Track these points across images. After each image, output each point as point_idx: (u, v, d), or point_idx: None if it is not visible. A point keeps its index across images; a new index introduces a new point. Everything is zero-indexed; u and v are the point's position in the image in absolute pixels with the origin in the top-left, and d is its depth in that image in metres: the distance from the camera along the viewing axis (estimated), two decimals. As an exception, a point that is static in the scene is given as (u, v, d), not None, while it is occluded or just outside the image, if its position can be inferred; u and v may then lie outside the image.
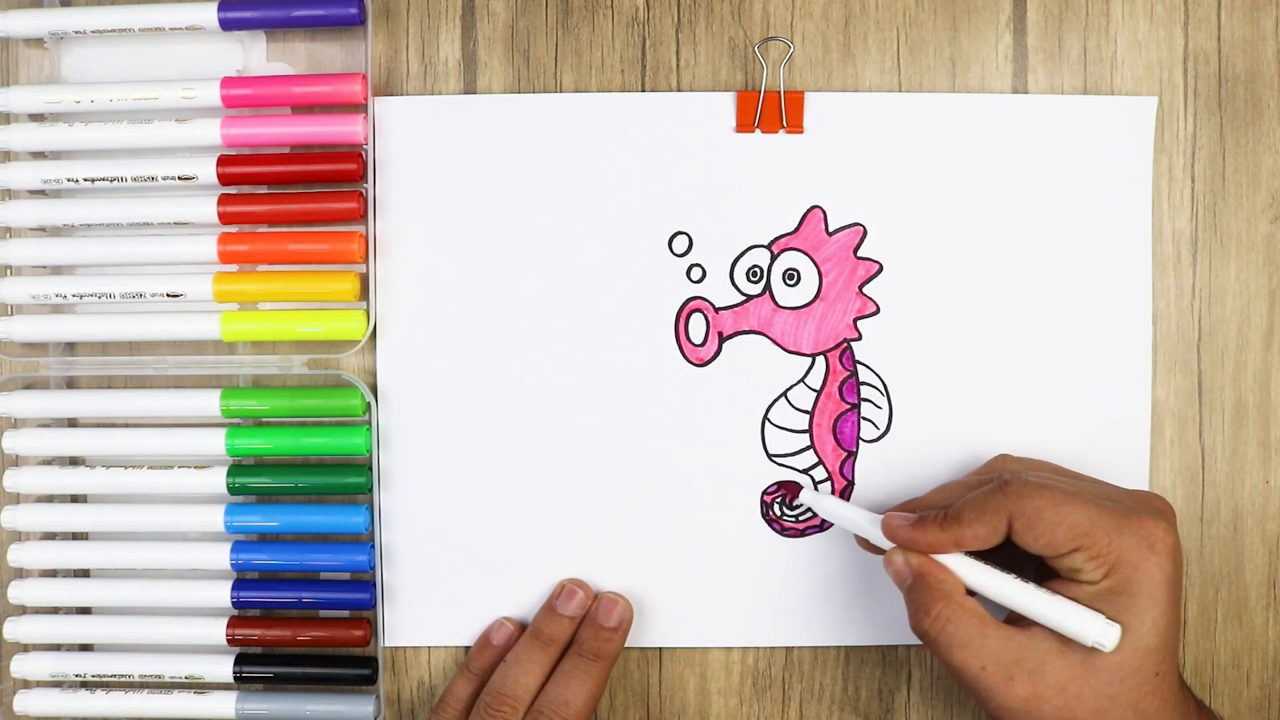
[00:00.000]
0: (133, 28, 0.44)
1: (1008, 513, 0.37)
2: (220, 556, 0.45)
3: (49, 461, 0.46)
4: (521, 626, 0.45)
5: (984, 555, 0.38)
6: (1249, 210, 0.45)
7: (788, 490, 0.45)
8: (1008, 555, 0.38)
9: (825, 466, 0.45)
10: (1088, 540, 0.36)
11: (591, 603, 0.45)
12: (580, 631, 0.44)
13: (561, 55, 0.45)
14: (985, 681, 0.36)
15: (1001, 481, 0.38)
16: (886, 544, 0.40)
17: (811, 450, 0.45)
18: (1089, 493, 0.38)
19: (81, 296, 0.45)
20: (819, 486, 0.45)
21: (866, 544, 0.42)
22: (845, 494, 0.45)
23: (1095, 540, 0.36)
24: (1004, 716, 0.37)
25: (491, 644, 0.45)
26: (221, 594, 0.45)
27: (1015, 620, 0.38)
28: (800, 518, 0.45)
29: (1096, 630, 0.35)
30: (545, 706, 0.42)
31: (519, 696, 0.42)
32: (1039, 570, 0.38)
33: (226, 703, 0.45)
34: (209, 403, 0.45)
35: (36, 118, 0.46)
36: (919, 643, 0.46)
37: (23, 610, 0.46)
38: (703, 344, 0.45)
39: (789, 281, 0.45)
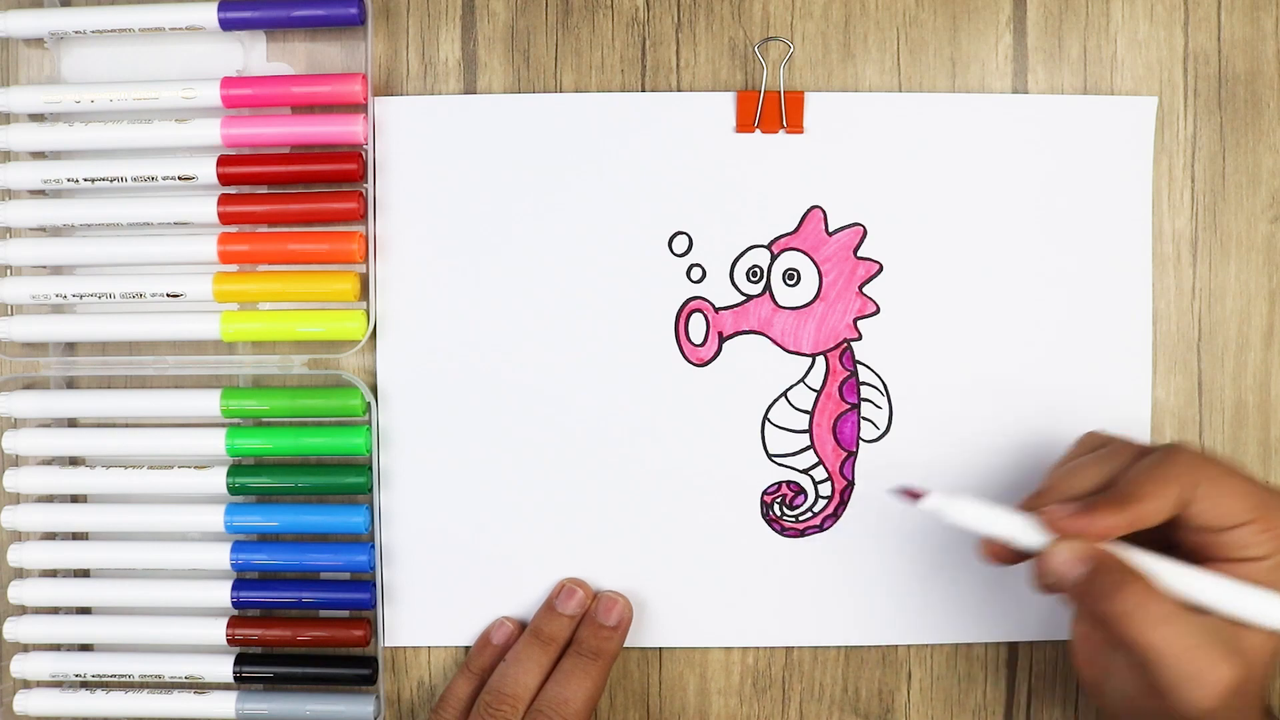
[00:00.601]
0: (133, 28, 0.44)
1: (1192, 479, 0.35)
2: (220, 556, 0.45)
3: (49, 461, 0.46)
4: (521, 626, 0.45)
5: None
6: (1249, 210, 0.45)
7: (908, 495, 0.37)
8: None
9: (825, 466, 0.45)
10: (1261, 512, 0.34)
11: (591, 602, 0.45)
12: (580, 630, 0.44)
13: (561, 55, 0.45)
14: (1195, 664, 0.33)
15: (1167, 449, 0.36)
16: (1032, 544, 0.36)
17: (811, 450, 0.45)
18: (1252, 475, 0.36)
19: (81, 296, 0.45)
20: (818, 485, 0.45)
21: (996, 551, 0.37)
22: (845, 494, 0.45)
23: (1268, 512, 0.34)
24: (1206, 705, 0.33)
25: (491, 643, 0.45)
26: (221, 594, 0.45)
27: None
28: (800, 518, 0.45)
29: (1269, 608, 0.34)
30: (545, 705, 0.42)
31: (519, 695, 0.42)
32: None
33: (226, 703, 0.45)
34: (209, 403, 0.45)
35: (36, 118, 0.46)
36: (919, 642, 0.46)
37: (23, 610, 0.46)
38: (703, 344, 0.45)
39: (789, 281, 0.45)
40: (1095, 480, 0.37)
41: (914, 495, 0.37)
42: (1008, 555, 0.37)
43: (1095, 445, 0.39)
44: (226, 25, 0.44)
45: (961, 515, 0.37)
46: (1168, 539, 0.36)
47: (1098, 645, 0.38)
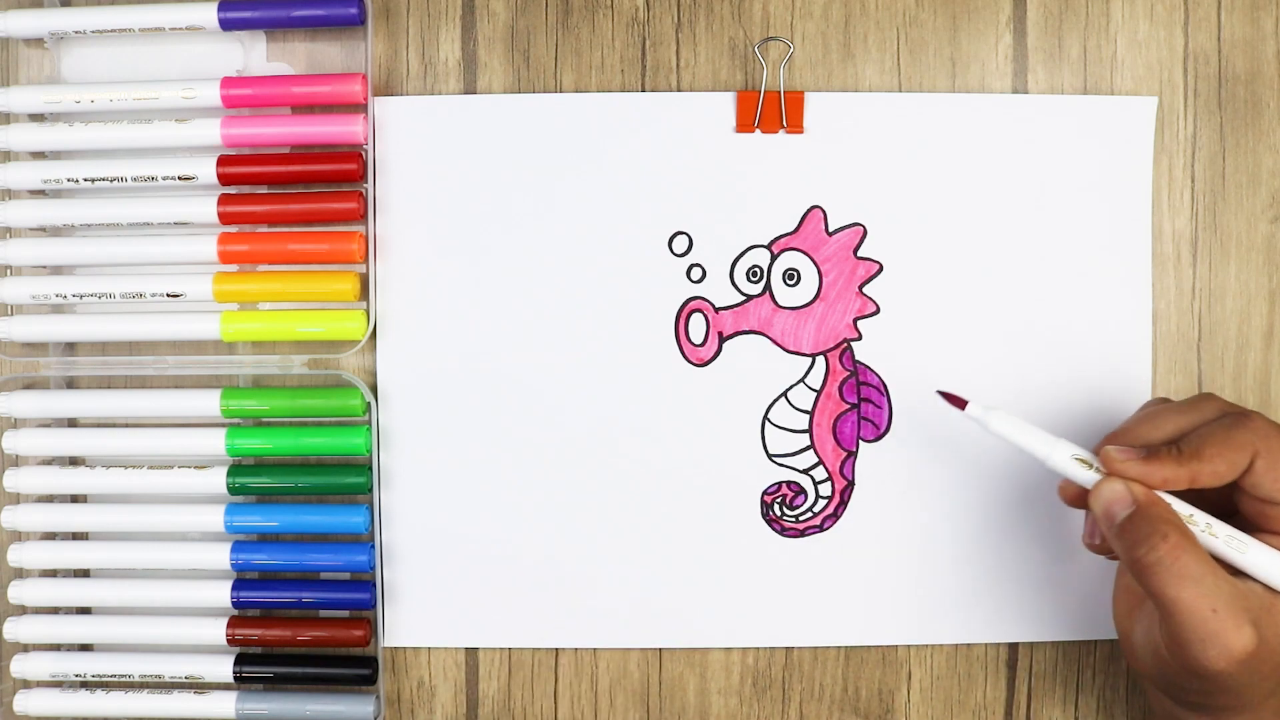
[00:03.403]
0: (133, 28, 0.44)
1: (1254, 449, 0.35)
2: (220, 556, 0.45)
3: (49, 461, 0.46)
4: None
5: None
6: (1249, 210, 0.45)
7: (953, 400, 0.39)
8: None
9: (825, 466, 0.45)
10: None
11: None
12: None
13: (561, 55, 0.45)
14: (1212, 625, 0.33)
15: (1241, 415, 0.36)
16: (1079, 476, 0.37)
17: (811, 450, 0.45)
18: None
19: (81, 296, 0.45)
20: (818, 485, 0.45)
21: (1072, 492, 0.38)
22: (845, 494, 0.45)
23: None
24: (1218, 667, 0.34)
25: None
26: (221, 594, 0.45)
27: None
28: (800, 518, 0.45)
29: None
30: None
31: None
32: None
33: (226, 703, 0.45)
34: (209, 403, 0.45)
35: (36, 118, 0.46)
36: (919, 642, 0.46)
37: (23, 610, 0.46)
38: (703, 344, 0.45)
39: (789, 281, 0.45)
40: (1171, 431, 0.37)
41: (958, 401, 0.39)
42: (1078, 495, 0.38)
43: (1205, 405, 0.38)
44: (226, 25, 0.44)
45: (1002, 429, 0.38)
46: (1231, 504, 0.37)
47: (1135, 599, 0.38)
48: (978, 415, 0.38)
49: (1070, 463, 0.37)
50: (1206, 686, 0.35)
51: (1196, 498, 0.37)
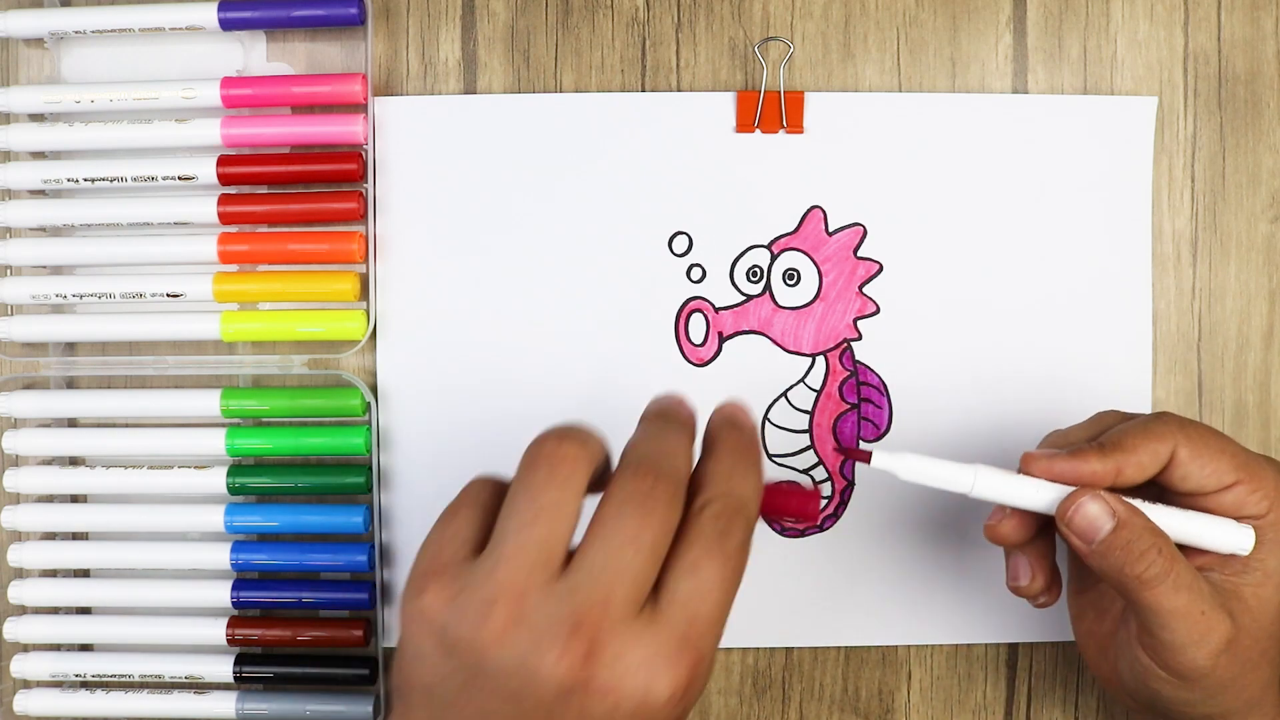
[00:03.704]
0: (133, 28, 0.44)
1: (1174, 439, 0.35)
2: (220, 556, 0.45)
3: (49, 461, 0.46)
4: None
5: None
6: (1249, 210, 0.45)
7: (853, 457, 0.36)
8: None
9: (825, 466, 0.45)
10: (1248, 473, 0.34)
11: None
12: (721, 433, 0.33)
13: (561, 55, 0.45)
14: (1201, 628, 0.33)
15: (1156, 413, 0.36)
16: (1023, 498, 0.35)
17: (812, 450, 0.45)
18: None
19: (81, 296, 0.45)
20: (818, 485, 0.45)
21: (1008, 529, 0.36)
22: (845, 494, 0.45)
23: (1255, 473, 0.35)
24: (1203, 664, 0.34)
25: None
26: (221, 594, 0.45)
27: None
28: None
29: (1241, 536, 0.34)
30: (718, 494, 0.30)
31: (678, 477, 0.30)
32: None
33: (226, 703, 0.45)
34: (209, 403, 0.45)
35: (36, 118, 0.46)
36: (919, 642, 0.46)
37: (23, 610, 0.46)
38: (703, 344, 0.45)
39: (789, 281, 0.45)
40: (1082, 437, 0.37)
41: (860, 455, 0.35)
42: (1018, 532, 0.36)
43: (1107, 420, 0.38)
44: (226, 25, 0.44)
45: (912, 471, 0.35)
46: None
47: (1101, 639, 0.38)
48: (884, 466, 0.35)
49: (1002, 484, 0.35)
50: (1197, 692, 0.35)
51: None
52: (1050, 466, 0.35)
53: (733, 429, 0.32)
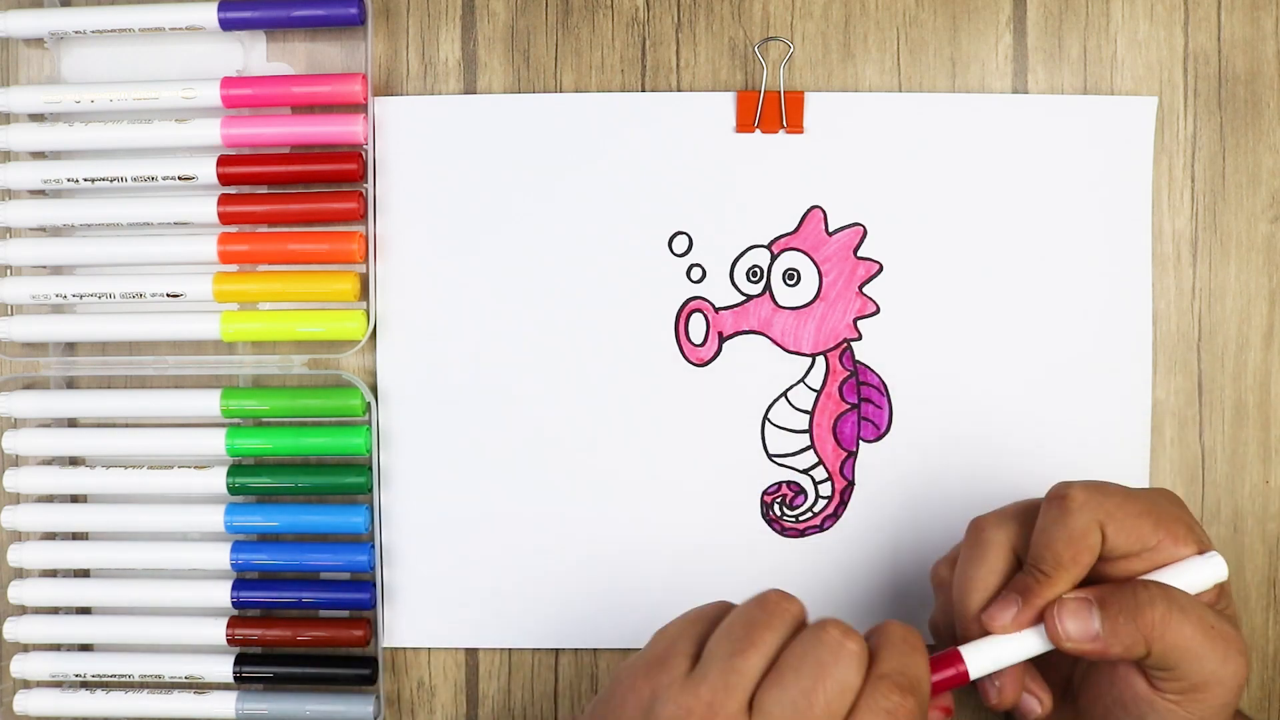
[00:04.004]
0: (133, 28, 0.44)
1: (1097, 522, 0.34)
2: (220, 556, 0.45)
3: (49, 461, 0.46)
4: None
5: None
6: (1249, 210, 0.45)
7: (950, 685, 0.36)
8: None
9: (825, 466, 0.45)
10: (1167, 524, 0.35)
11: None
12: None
13: (561, 55, 0.45)
14: (1217, 635, 0.34)
15: (1052, 498, 0.35)
16: (1009, 658, 0.36)
17: (812, 450, 0.45)
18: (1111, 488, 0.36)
19: (81, 296, 0.45)
20: (818, 485, 0.45)
21: (1004, 695, 0.36)
22: (845, 494, 0.45)
23: (1172, 524, 0.35)
24: (1244, 672, 0.34)
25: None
26: (221, 594, 0.45)
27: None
28: (800, 518, 0.45)
29: (1212, 567, 0.35)
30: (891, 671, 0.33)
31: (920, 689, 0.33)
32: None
33: (226, 703, 0.45)
34: (209, 403, 0.45)
35: (36, 118, 0.46)
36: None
37: (23, 610, 0.46)
38: (703, 344, 0.45)
39: (789, 281, 0.45)
40: (1000, 567, 0.36)
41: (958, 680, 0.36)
42: (1015, 686, 0.36)
43: (979, 528, 0.38)
44: (226, 25, 0.44)
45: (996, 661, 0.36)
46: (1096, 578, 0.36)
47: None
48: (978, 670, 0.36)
49: (996, 652, 0.35)
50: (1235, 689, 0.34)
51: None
52: (1020, 618, 0.35)
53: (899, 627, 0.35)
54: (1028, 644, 0.35)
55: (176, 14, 0.44)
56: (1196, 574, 0.35)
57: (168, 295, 0.45)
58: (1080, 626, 0.34)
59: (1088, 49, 0.45)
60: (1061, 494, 0.35)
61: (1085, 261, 0.45)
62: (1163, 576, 0.35)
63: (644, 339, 0.45)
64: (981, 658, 0.36)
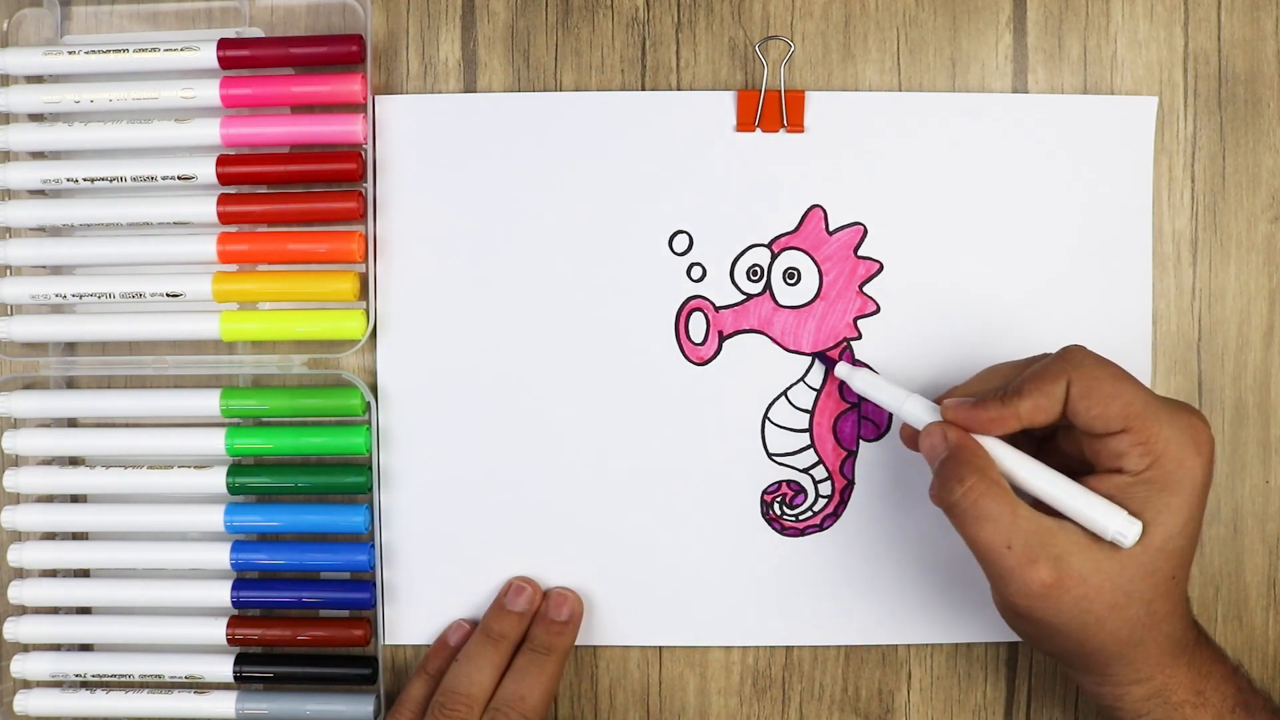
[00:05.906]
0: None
1: (1067, 378, 0.36)
2: (220, 556, 0.45)
3: (49, 461, 0.46)
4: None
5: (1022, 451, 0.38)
6: (1249, 210, 0.45)
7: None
8: (1045, 459, 0.38)
9: (825, 465, 0.45)
10: (1138, 422, 0.35)
11: (540, 599, 0.45)
12: (532, 627, 0.44)
13: (561, 55, 0.45)
14: (1008, 562, 0.35)
15: (1063, 349, 0.37)
16: (924, 421, 0.39)
17: (812, 449, 0.45)
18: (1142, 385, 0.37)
19: (81, 296, 0.45)
20: (818, 485, 0.45)
21: (909, 434, 0.41)
22: (845, 494, 0.45)
23: (1145, 424, 0.35)
24: (1019, 603, 0.35)
25: (448, 645, 0.45)
26: (221, 594, 0.45)
27: (1042, 509, 0.36)
28: (800, 517, 0.45)
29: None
30: (502, 703, 0.42)
31: (473, 695, 0.42)
32: (1073, 471, 0.37)
33: (226, 703, 0.45)
34: (209, 403, 0.45)
35: (36, 118, 0.46)
36: (919, 642, 0.46)
37: (23, 610, 0.46)
38: (703, 343, 0.45)
39: (789, 280, 0.45)
40: (1003, 380, 0.39)
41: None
42: (912, 439, 0.40)
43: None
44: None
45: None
46: (1070, 449, 0.38)
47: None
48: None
49: (917, 411, 0.39)
50: (1031, 630, 0.36)
51: (1065, 458, 0.38)
52: (957, 413, 0.38)
53: (543, 626, 0.45)
54: (906, 407, 0.40)
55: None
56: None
57: (167, 295, 0.45)
58: (929, 451, 0.38)
59: (1088, 49, 0.45)
60: (1070, 346, 0.37)
61: (1085, 261, 0.45)
62: (1076, 496, 0.36)
63: (644, 338, 0.45)
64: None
